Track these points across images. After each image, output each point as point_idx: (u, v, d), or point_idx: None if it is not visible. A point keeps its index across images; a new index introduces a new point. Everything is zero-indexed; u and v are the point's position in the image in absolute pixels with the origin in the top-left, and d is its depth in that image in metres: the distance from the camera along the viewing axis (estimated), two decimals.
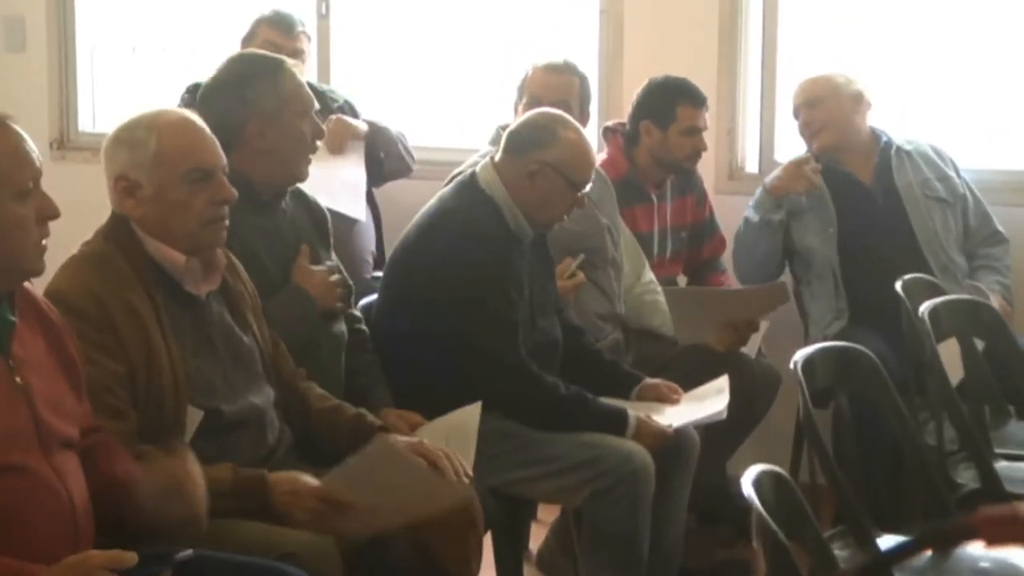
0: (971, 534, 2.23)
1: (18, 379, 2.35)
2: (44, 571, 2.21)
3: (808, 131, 4.55)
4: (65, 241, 2.68)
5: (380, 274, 3.96)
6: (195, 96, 3.57)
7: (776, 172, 4.55)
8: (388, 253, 3.96)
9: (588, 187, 3.58)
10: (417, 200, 3.76)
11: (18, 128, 2.38)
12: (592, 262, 3.99)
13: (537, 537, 4.25)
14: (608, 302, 4.04)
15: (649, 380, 3.70)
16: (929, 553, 2.82)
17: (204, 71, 3.51)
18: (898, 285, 3.84)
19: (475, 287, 3.40)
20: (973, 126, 4.86)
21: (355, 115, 4.78)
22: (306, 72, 4.73)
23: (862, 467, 3.49)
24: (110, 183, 2.84)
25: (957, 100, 4.88)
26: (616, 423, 3.45)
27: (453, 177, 3.83)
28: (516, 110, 4.24)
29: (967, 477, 3.54)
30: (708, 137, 4.47)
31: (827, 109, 4.51)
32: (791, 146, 4.76)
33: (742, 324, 4.18)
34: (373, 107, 5.02)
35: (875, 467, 3.80)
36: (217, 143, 2.87)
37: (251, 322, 2.98)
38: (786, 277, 4.56)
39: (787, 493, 2.38)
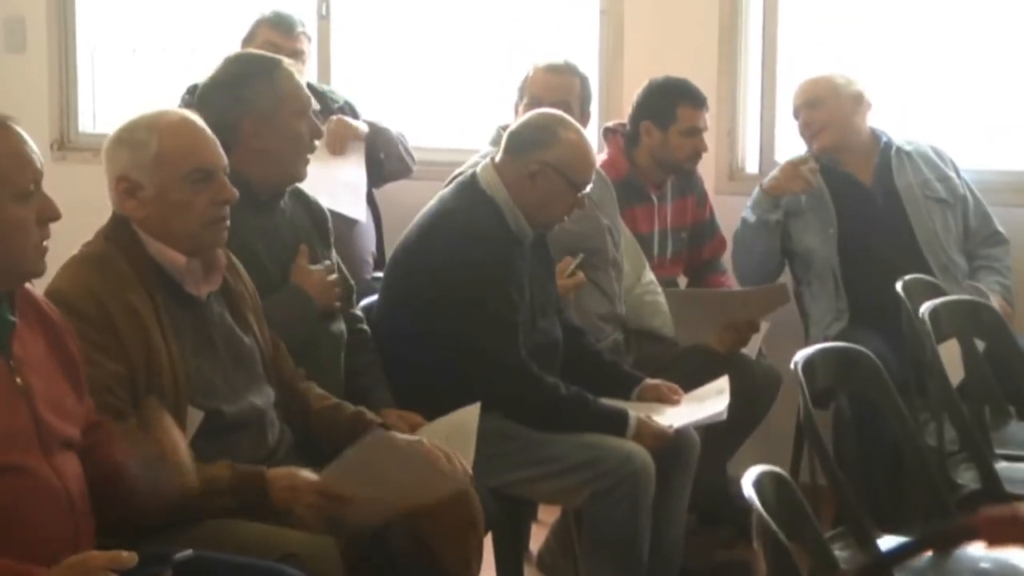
0: (972, 535, 2.24)
1: (18, 380, 2.34)
2: (44, 572, 2.20)
3: (808, 132, 4.55)
4: (65, 242, 2.68)
5: (380, 275, 3.96)
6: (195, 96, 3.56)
7: (773, 172, 4.55)
8: (388, 254, 3.95)
9: (589, 188, 3.58)
10: (417, 201, 3.76)
11: (20, 130, 2.38)
12: (593, 263, 3.99)
13: (537, 538, 4.25)
14: (609, 303, 4.04)
15: (649, 381, 3.70)
16: (929, 554, 2.82)
17: (204, 72, 3.51)
18: (898, 286, 3.84)
19: (475, 288, 3.40)
20: (973, 126, 4.86)
21: (355, 116, 4.77)
22: (306, 73, 4.73)
23: (862, 468, 3.49)
24: (111, 184, 2.83)
25: (957, 100, 4.88)
26: (616, 424, 3.45)
27: (454, 178, 3.83)
28: (517, 110, 4.24)
29: (967, 478, 3.54)
30: (708, 138, 4.47)
31: (827, 110, 4.51)
32: (791, 147, 4.76)
33: (743, 325, 4.18)
34: (373, 108, 5.02)
35: (875, 468, 3.79)
36: (218, 143, 2.87)
37: (252, 323, 2.98)
38: (786, 278, 4.56)
39: (787, 494, 2.38)
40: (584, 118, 4.20)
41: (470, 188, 3.56)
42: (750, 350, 4.22)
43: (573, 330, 3.73)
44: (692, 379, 3.76)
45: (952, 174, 4.55)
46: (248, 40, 4.71)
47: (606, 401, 3.53)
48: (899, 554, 2.55)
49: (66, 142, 5.80)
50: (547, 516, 4.28)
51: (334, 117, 4.65)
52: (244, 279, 3.04)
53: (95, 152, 2.98)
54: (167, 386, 2.71)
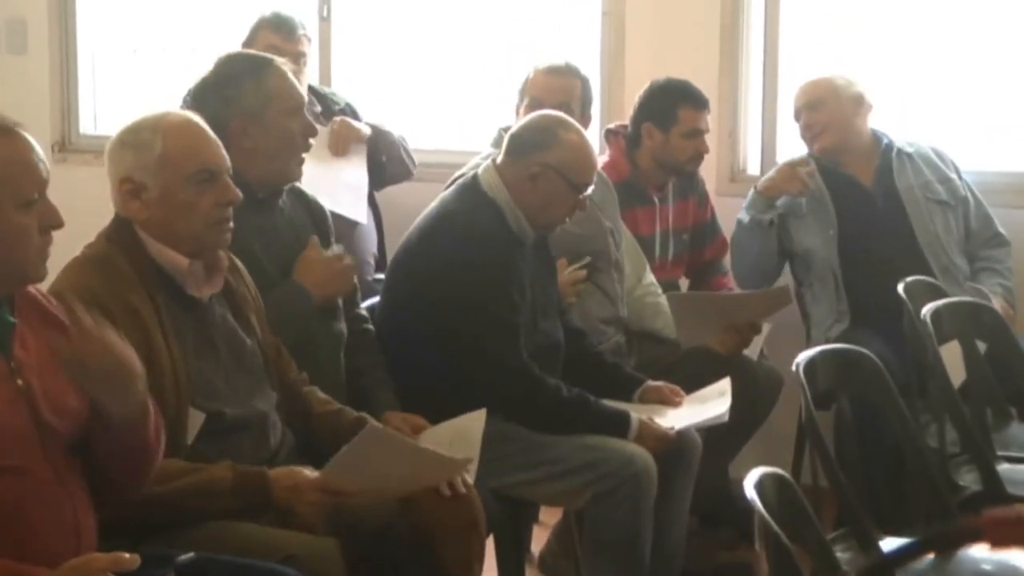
0: (975, 536, 2.24)
1: (19, 381, 2.34)
2: (46, 573, 2.20)
3: (809, 133, 4.55)
4: (66, 243, 2.67)
5: (382, 276, 3.96)
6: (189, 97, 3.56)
7: (769, 173, 4.55)
8: (390, 255, 3.95)
9: (590, 189, 3.58)
10: (418, 202, 3.76)
11: (28, 136, 2.36)
12: (595, 265, 3.99)
13: (539, 539, 4.25)
14: (611, 305, 4.03)
15: (651, 383, 3.70)
16: (931, 556, 2.82)
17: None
18: (900, 287, 3.84)
19: (477, 289, 3.40)
20: (974, 128, 4.86)
21: (356, 118, 4.78)
22: (307, 75, 4.74)
23: (864, 469, 3.49)
24: (114, 185, 2.83)
25: (958, 102, 4.88)
26: (618, 425, 3.44)
27: (455, 179, 3.83)
28: (517, 112, 4.24)
29: (969, 479, 3.53)
30: (710, 139, 4.47)
31: (828, 111, 4.51)
32: (792, 148, 4.76)
33: (744, 327, 4.18)
34: (374, 109, 5.03)
35: (877, 469, 3.79)
36: (221, 144, 2.87)
37: (254, 325, 2.98)
38: (787, 279, 4.56)
39: (789, 495, 2.38)
40: (585, 120, 4.20)
41: (471, 190, 3.56)
42: (752, 352, 4.22)
43: (575, 332, 3.73)
44: (694, 381, 3.76)
45: (953, 175, 4.55)
46: (248, 43, 4.69)
47: (608, 403, 3.53)
48: (902, 556, 2.55)
49: (67, 144, 5.80)
50: (549, 518, 4.28)
51: (337, 119, 4.66)
52: (246, 281, 3.03)
53: (96, 154, 2.98)
54: (168, 387, 2.71)
